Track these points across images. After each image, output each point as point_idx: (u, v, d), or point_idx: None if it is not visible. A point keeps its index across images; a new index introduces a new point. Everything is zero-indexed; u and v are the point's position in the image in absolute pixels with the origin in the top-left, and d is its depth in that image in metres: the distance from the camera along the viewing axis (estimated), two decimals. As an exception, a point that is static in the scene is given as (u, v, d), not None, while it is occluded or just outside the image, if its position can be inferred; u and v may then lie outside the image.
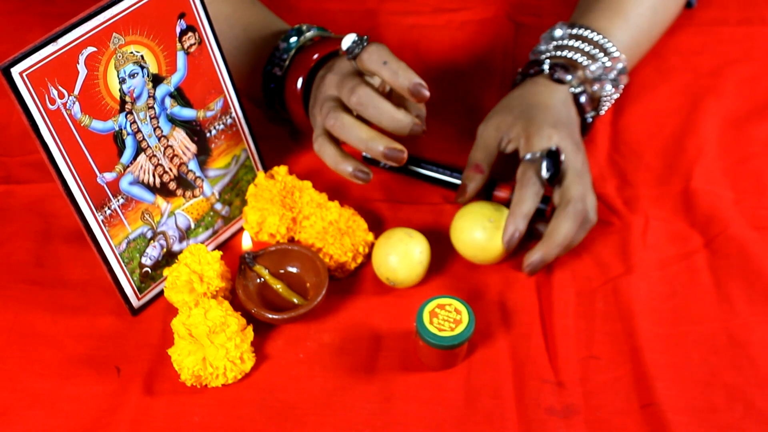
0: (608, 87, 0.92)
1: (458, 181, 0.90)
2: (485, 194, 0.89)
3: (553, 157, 0.83)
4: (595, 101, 0.92)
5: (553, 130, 0.85)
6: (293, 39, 0.89)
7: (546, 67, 0.91)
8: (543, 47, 0.94)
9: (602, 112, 0.95)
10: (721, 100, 1.01)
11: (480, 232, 0.83)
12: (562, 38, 0.93)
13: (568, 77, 0.89)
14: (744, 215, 0.89)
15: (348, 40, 0.79)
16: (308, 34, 0.89)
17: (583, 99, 0.90)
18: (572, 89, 0.90)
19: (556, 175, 0.83)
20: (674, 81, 1.04)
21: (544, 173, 0.82)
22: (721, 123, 0.98)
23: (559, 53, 0.92)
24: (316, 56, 0.86)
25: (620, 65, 0.92)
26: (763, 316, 0.81)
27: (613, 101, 0.94)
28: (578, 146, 0.86)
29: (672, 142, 0.97)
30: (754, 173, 0.94)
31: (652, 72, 1.04)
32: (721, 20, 1.10)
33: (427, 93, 0.76)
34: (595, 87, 0.91)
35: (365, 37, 0.79)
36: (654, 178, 0.94)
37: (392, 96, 0.83)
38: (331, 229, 0.84)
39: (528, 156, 0.84)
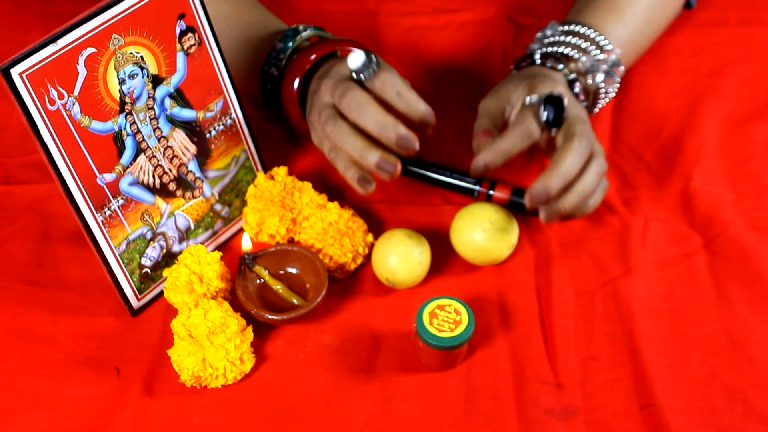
0: (601, 77, 0.90)
1: (459, 182, 0.90)
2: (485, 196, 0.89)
3: (555, 103, 0.79)
4: (590, 94, 0.91)
5: (557, 83, 0.83)
6: (290, 39, 0.89)
7: (537, 58, 0.90)
8: (536, 45, 0.94)
9: (597, 110, 0.94)
10: (720, 101, 1.00)
11: (480, 233, 0.83)
12: (554, 35, 0.93)
13: (560, 66, 0.89)
14: (744, 216, 0.89)
15: (356, 61, 0.77)
16: (304, 34, 0.89)
17: (576, 88, 0.89)
18: (566, 77, 0.89)
19: (559, 123, 0.80)
20: (674, 82, 1.04)
21: (543, 116, 0.79)
22: (721, 124, 0.98)
23: (550, 49, 0.91)
24: (313, 57, 0.86)
25: (613, 57, 0.91)
26: (762, 317, 0.81)
27: (608, 98, 0.94)
28: (581, 106, 0.84)
29: (672, 142, 0.97)
30: (753, 174, 0.94)
31: (651, 73, 1.04)
32: (721, 21, 1.10)
33: (432, 120, 0.79)
34: (589, 79, 0.90)
35: (373, 58, 0.77)
36: (653, 178, 0.94)
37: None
38: (331, 230, 0.84)
39: (528, 99, 0.81)
